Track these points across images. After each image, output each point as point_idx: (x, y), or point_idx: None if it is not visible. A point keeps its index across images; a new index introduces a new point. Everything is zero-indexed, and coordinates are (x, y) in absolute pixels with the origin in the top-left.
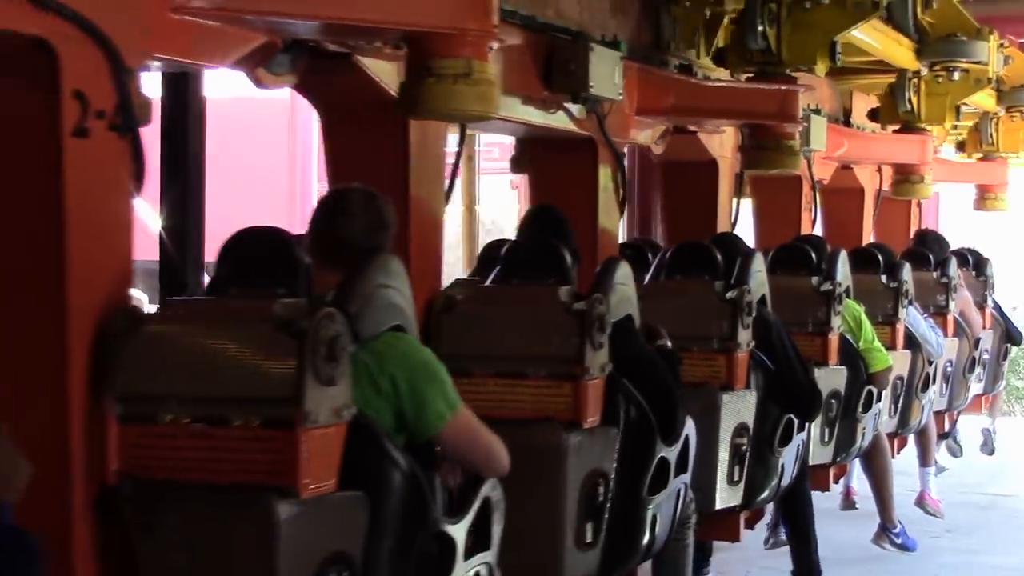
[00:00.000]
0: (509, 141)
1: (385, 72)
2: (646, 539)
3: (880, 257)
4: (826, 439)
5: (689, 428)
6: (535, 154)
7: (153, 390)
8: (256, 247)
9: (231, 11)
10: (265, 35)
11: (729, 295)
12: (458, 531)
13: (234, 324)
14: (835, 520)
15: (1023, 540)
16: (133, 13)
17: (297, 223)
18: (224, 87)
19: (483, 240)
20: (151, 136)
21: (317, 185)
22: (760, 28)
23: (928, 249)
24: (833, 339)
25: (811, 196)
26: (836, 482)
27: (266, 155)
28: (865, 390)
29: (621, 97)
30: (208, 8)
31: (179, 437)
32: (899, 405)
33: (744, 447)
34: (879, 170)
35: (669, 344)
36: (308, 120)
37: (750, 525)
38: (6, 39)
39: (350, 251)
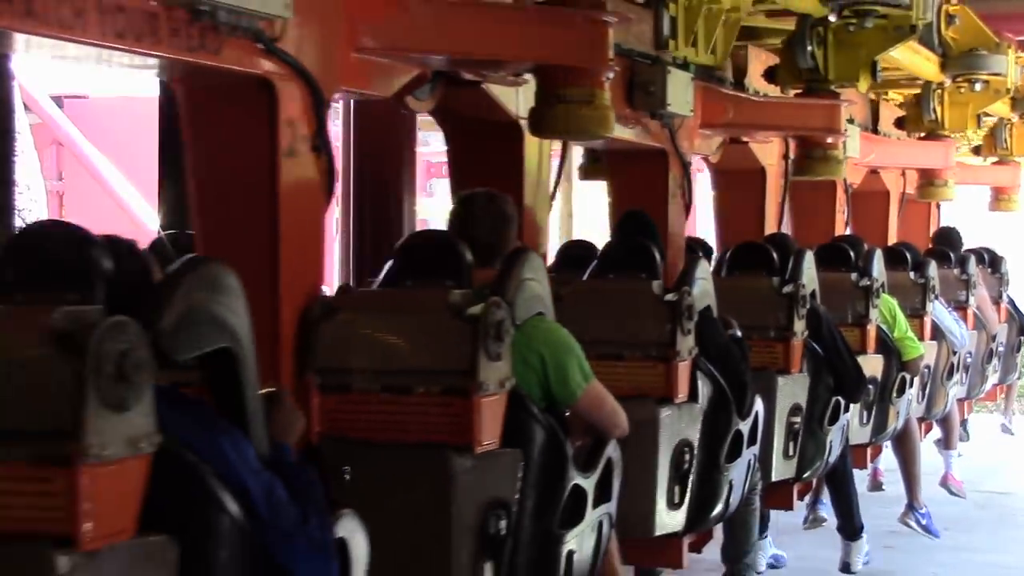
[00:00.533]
0: None
1: (507, 96)
2: (723, 502)
3: (908, 255)
4: (864, 421)
5: (758, 405)
6: (613, 163)
7: (347, 365)
8: (427, 246)
9: (400, 50)
10: (420, 68)
11: (785, 290)
12: (588, 484)
13: (415, 310)
14: (830, 516)
15: (1021, 538)
16: (329, 55)
17: None
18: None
19: None
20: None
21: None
22: (809, 48)
23: (950, 247)
24: (871, 330)
25: (844, 199)
26: (872, 462)
27: None
28: (899, 377)
29: (692, 113)
30: (382, 48)
31: (370, 404)
32: (926, 392)
33: (797, 425)
34: (903, 174)
35: (739, 333)
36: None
37: (800, 497)
38: (238, 77)
39: (483, 248)
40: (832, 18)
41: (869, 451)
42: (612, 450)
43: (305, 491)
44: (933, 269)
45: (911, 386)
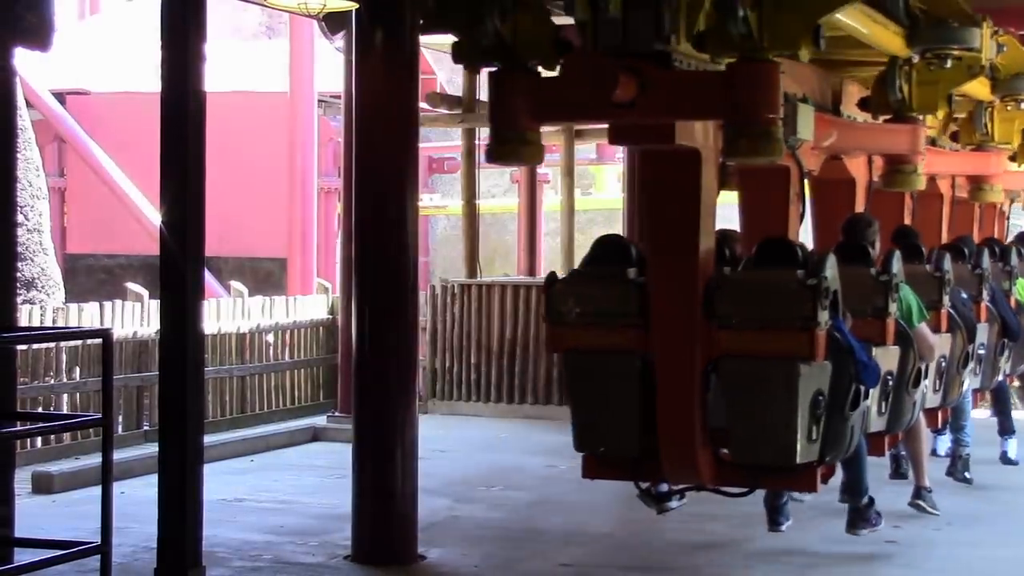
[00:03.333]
0: None
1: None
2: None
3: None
4: (882, 410)
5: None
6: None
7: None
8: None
9: (831, 148)
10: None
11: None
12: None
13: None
14: (838, 515)
15: (1023, 533)
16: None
17: (297, 217)
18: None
19: (484, 233)
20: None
21: (317, 180)
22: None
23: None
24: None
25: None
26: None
27: (265, 149)
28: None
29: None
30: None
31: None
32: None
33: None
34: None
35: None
36: (308, 115)
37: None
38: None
39: (868, 247)
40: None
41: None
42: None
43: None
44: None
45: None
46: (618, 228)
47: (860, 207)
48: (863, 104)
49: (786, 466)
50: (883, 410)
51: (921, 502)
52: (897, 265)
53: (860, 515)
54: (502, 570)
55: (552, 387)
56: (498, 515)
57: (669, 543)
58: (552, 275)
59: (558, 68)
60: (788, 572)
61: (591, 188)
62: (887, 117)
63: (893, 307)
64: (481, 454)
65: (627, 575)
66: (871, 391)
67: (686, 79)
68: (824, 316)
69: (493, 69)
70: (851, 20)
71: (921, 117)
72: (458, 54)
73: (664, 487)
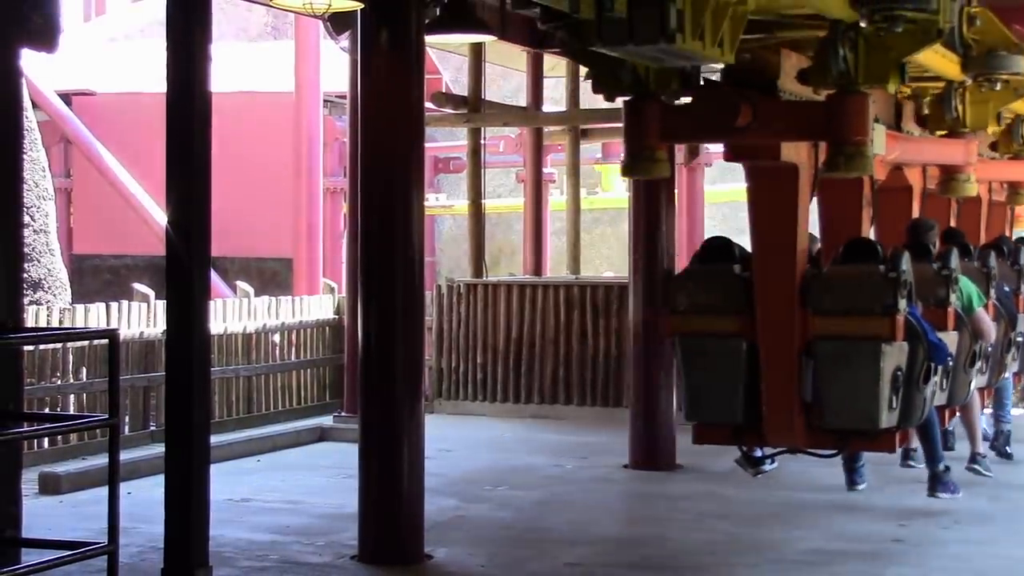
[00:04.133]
0: (514, 134)
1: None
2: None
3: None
4: (943, 387)
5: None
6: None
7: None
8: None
9: (895, 160)
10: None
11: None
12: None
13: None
14: (845, 513)
15: None
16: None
17: (303, 217)
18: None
19: (490, 232)
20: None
21: (323, 180)
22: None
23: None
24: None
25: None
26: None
27: (271, 149)
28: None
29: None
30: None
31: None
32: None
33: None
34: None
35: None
36: (314, 115)
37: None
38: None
39: (930, 246)
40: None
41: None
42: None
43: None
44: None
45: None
46: (624, 228)
47: (916, 211)
48: (921, 121)
49: (870, 431)
50: (944, 387)
51: (977, 466)
52: (955, 261)
53: (939, 480)
54: (508, 569)
55: (558, 387)
56: (504, 515)
57: (675, 543)
58: (669, 271)
59: (683, 97)
60: (796, 570)
61: (597, 187)
62: (943, 132)
63: (953, 297)
64: (487, 453)
65: (634, 574)
66: (939, 368)
67: (792, 107)
68: (903, 303)
69: (625, 98)
70: (920, 54)
71: (972, 132)
72: (598, 86)
73: (758, 452)
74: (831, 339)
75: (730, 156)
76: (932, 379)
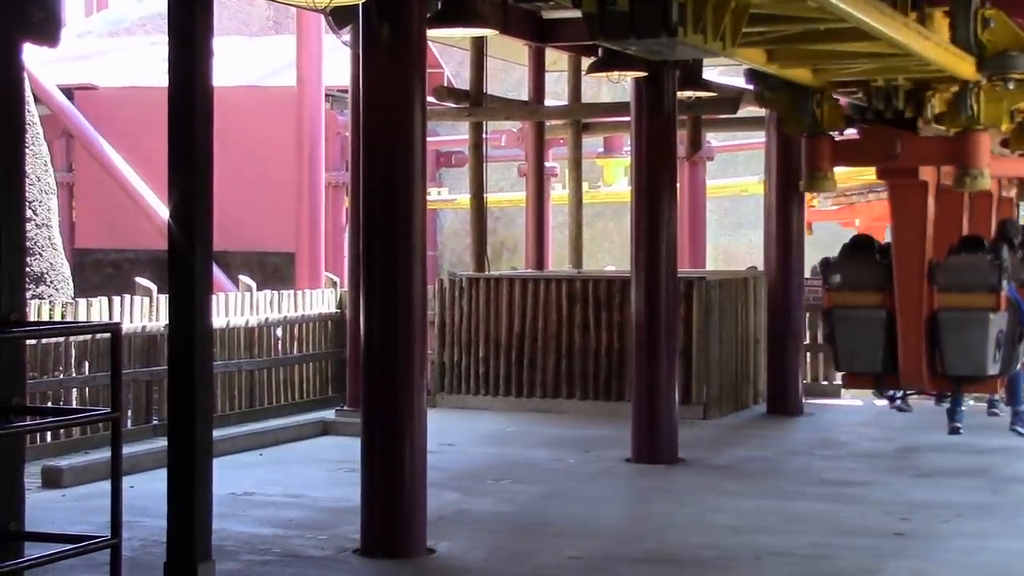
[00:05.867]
0: (515, 128)
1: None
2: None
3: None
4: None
5: None
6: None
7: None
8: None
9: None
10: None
11: (995, 262)
12: None
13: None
14: (847, 506)
15: None
16: None
17: (305, 211)
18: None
19: (492, 226)
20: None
21: (325, 174)
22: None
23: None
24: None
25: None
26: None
27: (273, 143)
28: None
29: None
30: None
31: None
32: None
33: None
34: None
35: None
36: (316, 109)
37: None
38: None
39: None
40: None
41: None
42: None
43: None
44: (1006, 252)
45: None
46: (626, 221)
47: (994, 213)
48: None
49: (979, 377)
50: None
51: (1018, 427)
52: (1006, 254)
53: (1020, 417)
54: (511, 563)
55: (560, 381)
56: (507, 508)
57: (677, 536)
58: (826, 259)
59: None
60: (797, 564)
61: (599, 181)
62: (958, 129)
63: (1004, 283)
64: (489, 447)
65: (635, 567)
66: None
67: (931, 140)
68: (1004, 283)
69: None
70: (934, 55)
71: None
72: (785, 126)
73: (890, 394)
74: (951, 310)
75: (881, 175)
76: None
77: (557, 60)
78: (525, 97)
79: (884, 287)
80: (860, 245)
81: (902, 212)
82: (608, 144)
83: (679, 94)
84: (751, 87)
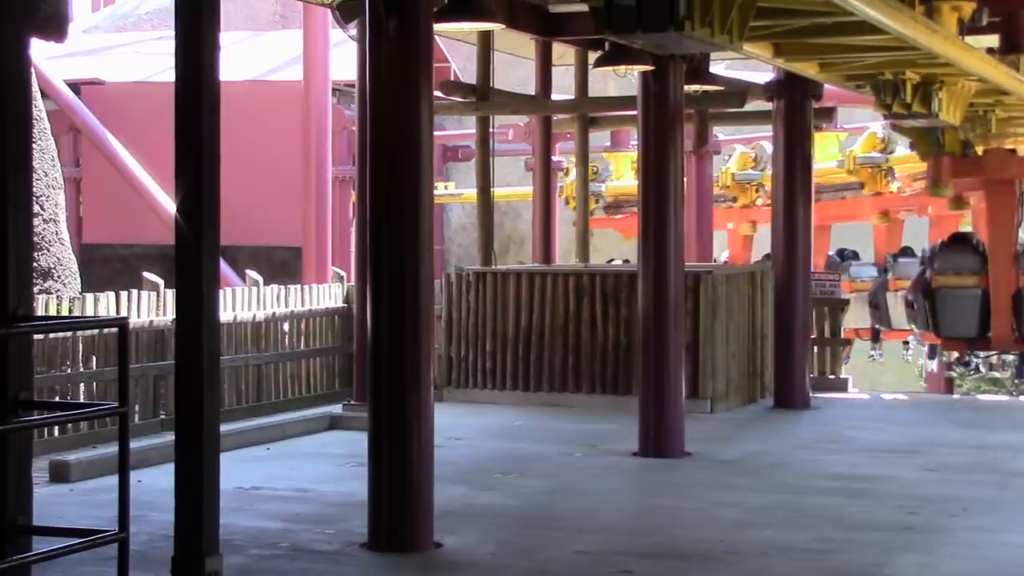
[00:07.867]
0: (523, 122)
1: None
2: None
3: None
4: None
5: None
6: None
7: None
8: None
9: None
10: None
11: None
12: None
13: None
14: (854, 501)
15: None
16: None
17: (312, 205)
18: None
19: (499, 221)
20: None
21: (332, 168)
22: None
23: None
24: None
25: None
26: None
27: (280, 138)
28: None
29: None
30: None
31: None
32: None
33: None
34: None
35: None
36: (323, 104)
37: None
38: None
39: None
40: None
41: None
42: None
43: None
44: None
45: None
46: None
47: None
48: None
49: None
50: None
51: None
52: None
53: None
54: (518, 557)
55: (567, 375)
56: (514, 502)
57: (685, 531)
58: (934, 246)
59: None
60: (804, 558)
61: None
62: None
63: None
64: (497, 442)
65: (642, 562)
66: None
67: (1008, 153)
68: None
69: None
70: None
71: None
72: (916, 149)
73: (966, 360)
74: None
75: (982, 186)
76: None
77: (564, 54)
78: (532, 91)
79: (981, 271)
80: (960, 238)
81: (995, 211)
82: (615, 138)
83: (686, 88)
84: (886, 121)
